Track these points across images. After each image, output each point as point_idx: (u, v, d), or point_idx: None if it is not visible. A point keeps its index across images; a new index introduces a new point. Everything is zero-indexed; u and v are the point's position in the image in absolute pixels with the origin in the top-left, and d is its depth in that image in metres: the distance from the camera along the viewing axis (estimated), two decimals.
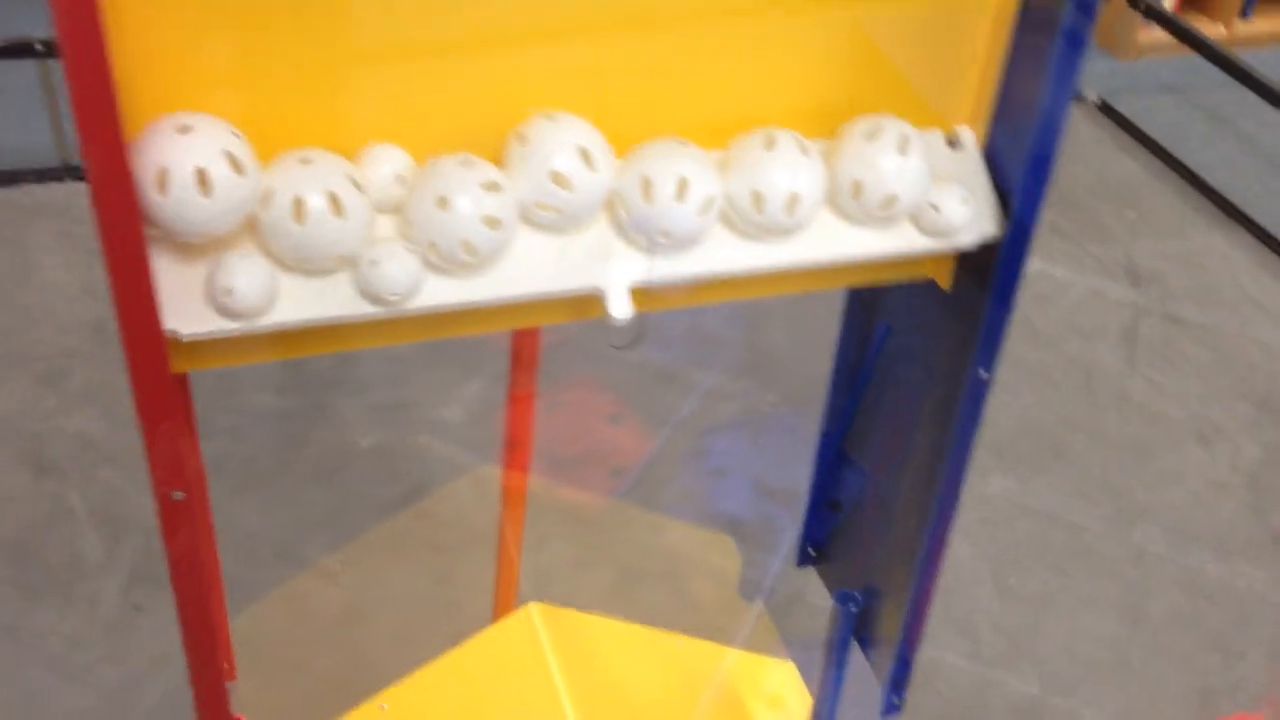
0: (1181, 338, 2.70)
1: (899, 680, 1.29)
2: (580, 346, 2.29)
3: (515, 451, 1.35)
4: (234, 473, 2.07)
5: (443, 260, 0.83)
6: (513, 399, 1.29)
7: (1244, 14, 2.78)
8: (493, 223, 0.82)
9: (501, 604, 1.54)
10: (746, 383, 2.40)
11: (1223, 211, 3.07)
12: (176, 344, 0.81)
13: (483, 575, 2.02)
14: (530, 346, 1.23)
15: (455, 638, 1.95)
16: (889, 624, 1.30)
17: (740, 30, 0.88)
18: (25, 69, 2.57)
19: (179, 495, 0.86)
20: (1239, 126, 3.37)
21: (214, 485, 2.19)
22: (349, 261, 0.82)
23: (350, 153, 0.83)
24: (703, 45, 0.88)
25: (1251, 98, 3.00)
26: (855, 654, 1.38)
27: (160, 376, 0.80)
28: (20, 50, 2.53)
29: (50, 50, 2.54)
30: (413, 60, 0.82)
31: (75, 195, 2.66)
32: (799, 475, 2.20)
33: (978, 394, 1.05)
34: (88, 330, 2.39)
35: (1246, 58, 2.97)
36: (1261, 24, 3.00)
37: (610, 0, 0.84)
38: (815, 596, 1.98)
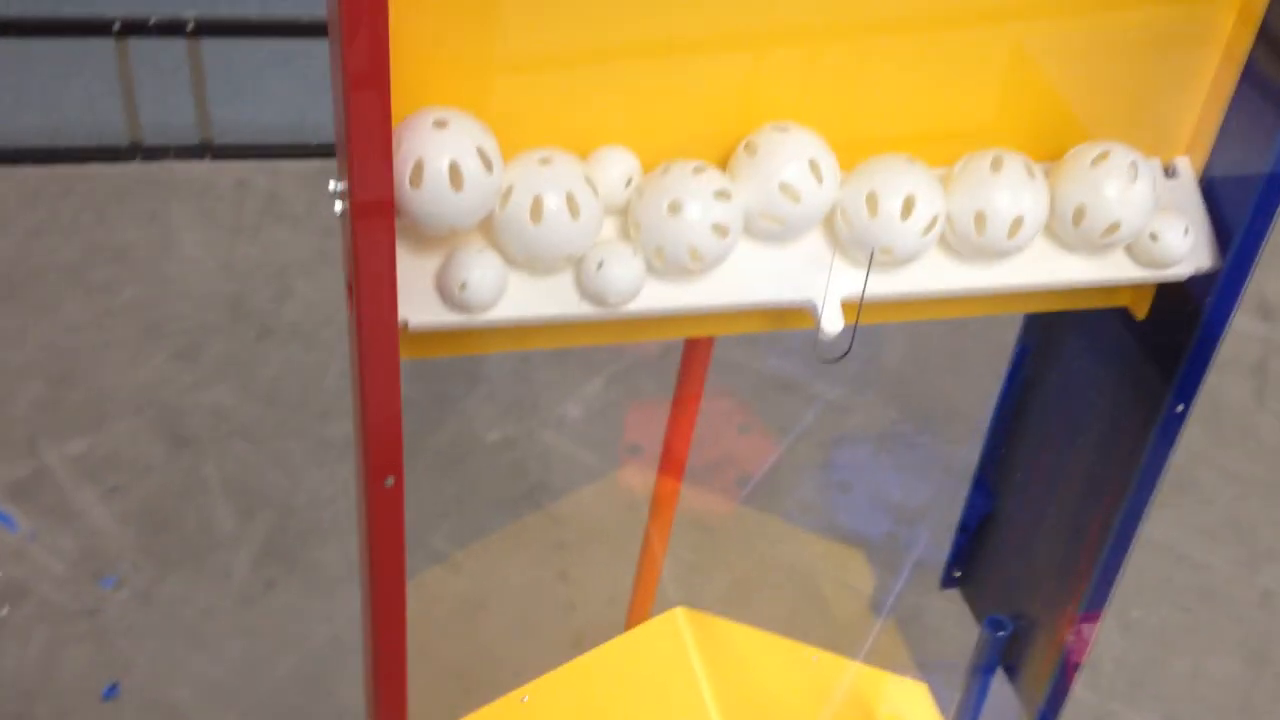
0: None
1: (1051, 711, 1.28)
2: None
3: (671, 456, 1.36)
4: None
5: (668, 265, 0.84)
6: (676, 403, 1.30)
7: None
8: (721, 231, 0.83)
9: (638, 606, 1.55)
10: (867, 398, 2.39)
11: None
12: (402, 333, 0.82)
13: (602, 575, 2.04)
14: (702, 353, 1.23)
15: (576, 635, 1.97)
16: (1040, 653, 1.29)
17: (967, 48, 0.88)
18: (174, 48, 2.63)
19: (390, 481, 0.87)
20: None
21: (346, 469, 2.23)
22: (575, 261, 0.83)
23: (581, 153, 0.84)
24: (929, 61, 0.87)
25: None
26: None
27: (390, 364, 0.82)
28: (172, 29, 2.59)
29: (201, 30, 2.60)
30: (646, 66, 0.83)
31: (215, 173, 2.72)
32: (921, 493, 2.19)
33: (1171, 428, 1.04)
34: (224, 306, 2.45)
35: None
36: None
37: (841, 15, 0.84)
38: (939, 618, 1.97)
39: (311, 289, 2.50)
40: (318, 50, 2.84)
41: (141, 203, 2.63)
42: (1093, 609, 1.20)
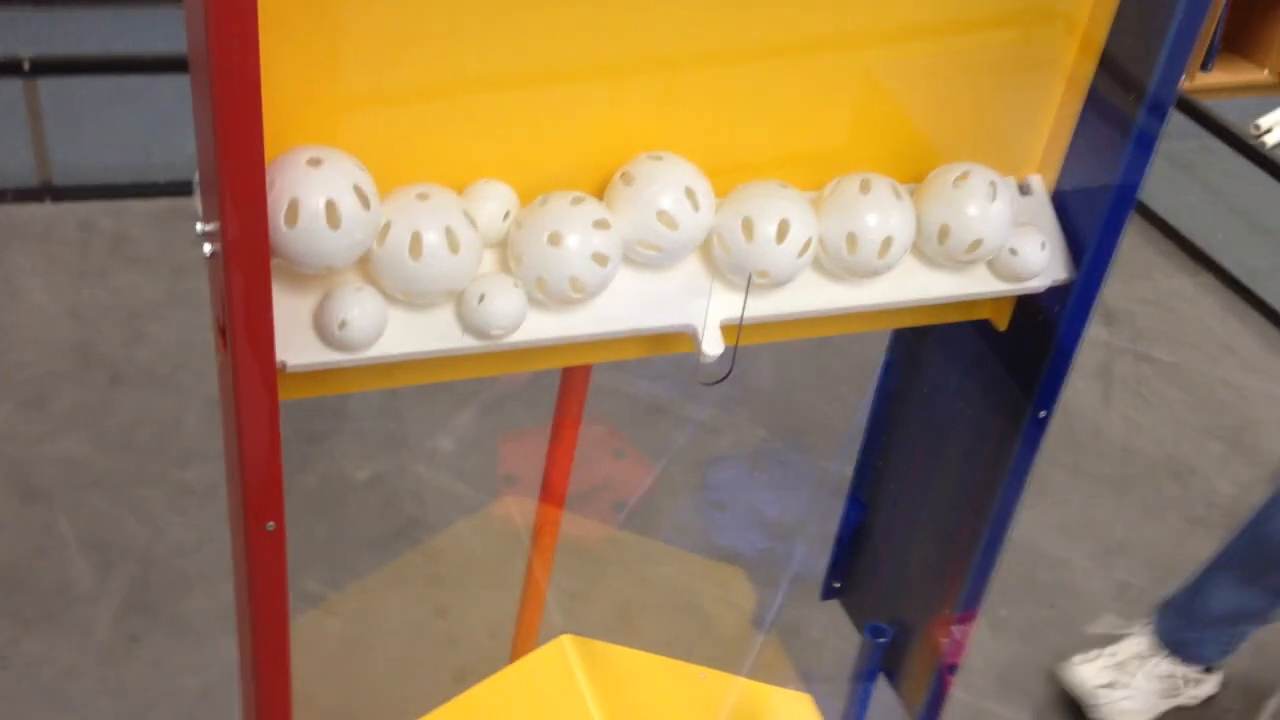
0: (1154, 377, 2.77)
1: (931, 713, 1.31)
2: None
3: (551, 484, 1.36)
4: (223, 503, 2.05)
5: (549, 295, 0.84)
6: (555, 431, 1.30)
7: (1205, 66, 2.89)
8: (601, 259, 0.83)
9: (523, 636, 1.54)
10: (737, 418, 2.42)
11: (1188, 255, 3.16)
12: (280, 374, 0.81)
13: (482, 608, 2.01)
14: (580, 381, 1.24)
15: (458, 670, 1.94)
16: (920, 656, 1.32)
17: (832, 77, 0.90)
18: (9, 87, 2.53)
19: (271, 526, 0.85)
20: (1202, 174, 3.48)
21: (208, 516, 2.16)
22: (455, 296, 0.83)
23: (457, 188, 0.84)
24: (797, 89, 0.90)
25: (1214, 145, 3.10)
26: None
27: (268, 408, 0.80)
28: (7, 69, 2.49)
29: (37, 69, 2.51)
30: (519, 100, 0.83)
31: (56, 216, 2.61)
32: (794, 507, 2.23)
33: (1035, 433, 1.08)
34: (71, 352, 2.35)
35: (1208, 106, 3.08)
36: (1221, 76, 3.11)
37: (709, 47, 0.86)
38: (819, 629, 2.00)
39: (164, 332, 2.42)
40: (160, 86, 2.76)
41: None
42: (967, 611, 1.24)
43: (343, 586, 2.01)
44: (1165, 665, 1.98)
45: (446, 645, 1.97)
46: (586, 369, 1.23)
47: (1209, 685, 2.04)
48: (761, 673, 1.57)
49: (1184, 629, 1.96)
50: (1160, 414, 2.67)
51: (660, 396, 2.41)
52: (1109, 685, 1.96)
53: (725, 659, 1.87)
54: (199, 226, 0.78)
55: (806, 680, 1.66)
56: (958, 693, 2.05)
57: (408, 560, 2.08)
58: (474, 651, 1.94)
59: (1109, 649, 2.02)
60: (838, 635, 1.84)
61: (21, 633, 1.88)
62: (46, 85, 2.54)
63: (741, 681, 1.53)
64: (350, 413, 2.31)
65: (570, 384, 1.22)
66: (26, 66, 2.49)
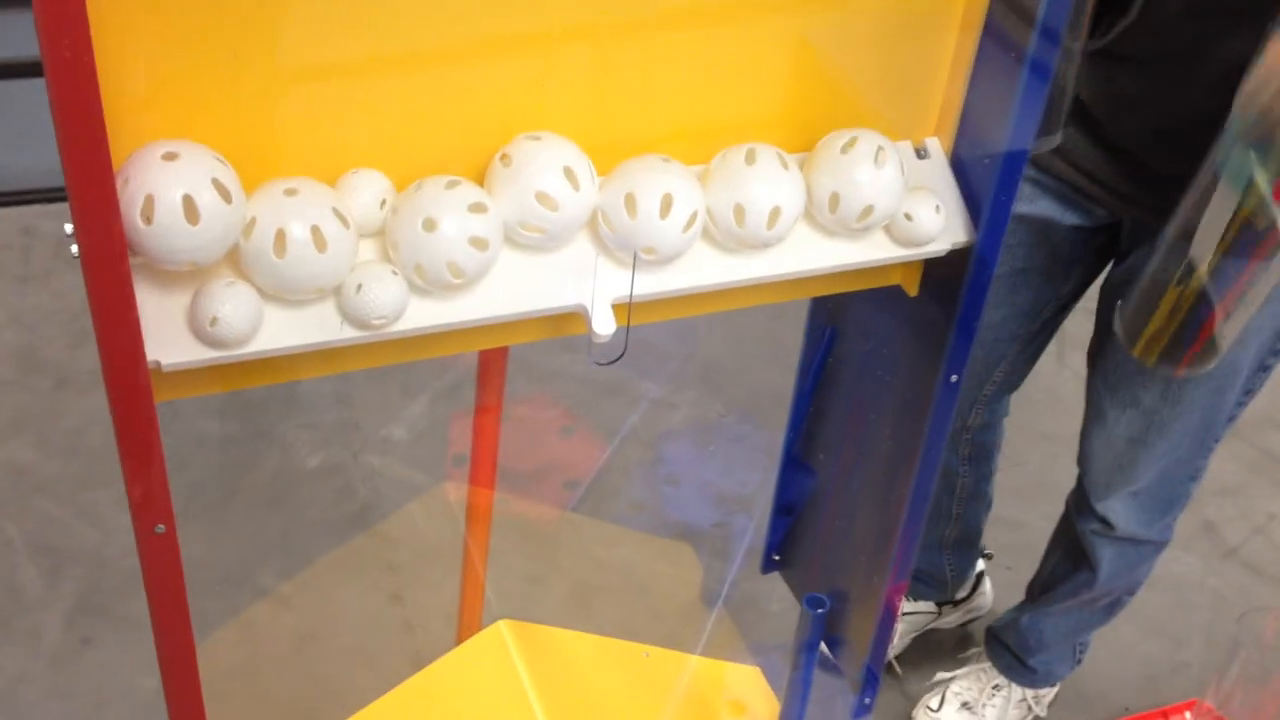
0: None
1: (871, 681, 1.31)
2: (521, 361, 2.28)
3: (480, 467, 1.35)
4: (178, 501, 2.03)
5: (429, 282, 0.83)
6: (478, 414, 1.29)
7: None
8: (479, 243, 0.82)
9: (467, 621, 1.53)
10: (691, 393, 2.41)
11: None
12: (157, 374, 0.79)
13: (437, 593, 2.01)
14: (497, 362, 1.22)
15: (414, 656, 1.94)
16: (858, 626, 1.32)
17: (715, 48, 0.89)
18: None
19: (161, 529, 0.84)
20: None
21: None
22: (332, 288, 0.82)
23: (332, 178, 0.82)
24: (679, 62, 0.88)
25: None
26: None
27: (144, 408, 0.79)
28: None
29: None
30: (392, 85, 0.82)
31: None
32: (748, 482, 2.22)
33: (949, 397, 1.07)
34: (15, 358, 2.33)
35: None
36: None
37: (586, 20, 0.84)
38: (770, 601, 2.00)
39: None
40: None
41: None
42: (900, 579, 1.24)
43: (297, 578, 2.00)
44: (1019, 691, 1.97)
45: (402, 632, 1.96)
46: (502, 351, 1.22)
47: (1053, 690, 2.02)
48: (715, 648, 1.57)
49: (1028, 659, 1.94)
50: None
51: (613, 376, 2.40)
52: None
53: (681, 636, 1.87)
54: (67, 227, 0.76)
55: (760, 653, 1.66)
56: (914, 657, 2.06)
57: (361, 548, 2.07)
58: (431, 637, 1.94)
59: (953, 688, 1.98)
60: (791, 607, 1.84)
61: None
62: None
63: (688, 658, 1.53)
64: (301, 403, 2.29)
65: (487, 366, 1.21)
66: None
